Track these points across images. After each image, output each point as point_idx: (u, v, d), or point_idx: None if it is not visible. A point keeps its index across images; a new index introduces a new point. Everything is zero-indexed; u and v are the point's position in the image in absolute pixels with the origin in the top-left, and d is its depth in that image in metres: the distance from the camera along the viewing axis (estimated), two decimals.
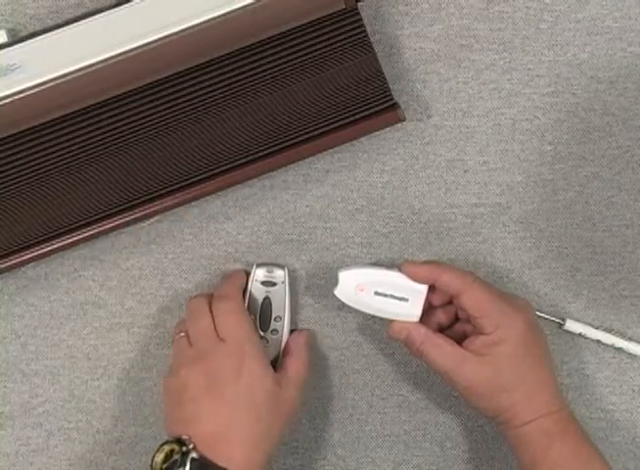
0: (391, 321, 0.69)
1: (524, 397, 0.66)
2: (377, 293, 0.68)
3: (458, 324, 0.71)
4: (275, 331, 0.69)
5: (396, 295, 0.68)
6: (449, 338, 0.67)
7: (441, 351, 0.67)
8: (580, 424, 0.67)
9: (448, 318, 0.71)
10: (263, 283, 0.70)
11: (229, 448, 0.63)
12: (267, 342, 0.70)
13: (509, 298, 0.68)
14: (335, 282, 0.69)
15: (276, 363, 0.69)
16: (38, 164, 0.69)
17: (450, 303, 0.70)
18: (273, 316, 0.69)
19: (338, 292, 0.69)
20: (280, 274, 0.70)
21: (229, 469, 0.62)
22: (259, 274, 0.70)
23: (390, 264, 0.72)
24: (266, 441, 0.65)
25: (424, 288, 0.68)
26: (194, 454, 0.62)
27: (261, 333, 0.69)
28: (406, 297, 0.68)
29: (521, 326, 0.66)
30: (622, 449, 0.75)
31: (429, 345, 0.67)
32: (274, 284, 0.69)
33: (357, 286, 0.68)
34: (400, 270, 0.69)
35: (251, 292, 0.69)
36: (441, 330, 0.70)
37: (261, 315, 0.69)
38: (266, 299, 0.69)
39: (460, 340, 0.68)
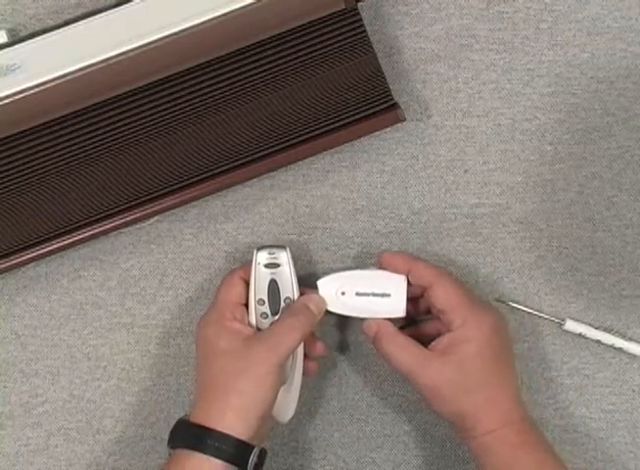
0: (363, 319, 0.68)
1: (486, 401, 0.66)
2: (358, 293, 0.68)
3: (430, 322, 0.71)
4: None
5: (377, 292, 0.68)
6: (416, 340, 0.67)
7: (406, 351, 0.66)
8: (544, 434, 0.67)
9: (416, 311, 0.71)
10: (267, 266, 0.68)
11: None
12: None
13: (481, 303, 0.69)
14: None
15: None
16: (38, 163, 0.69)
17: (421, 296, 0.70)
18: (282, 298, 0.68)
19: None
20: (282, 255, 0.68)
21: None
22: (262, 257, 0.68)
23: (369, 265, 0.73)
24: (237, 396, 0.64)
25: (403, 279, 0.68)
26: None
27: (274, 317, 0.68)
28: (388, 292, 0.68)
29: (487, 328, 0.66)
30: (622, 449, 0.75)
31: (393, 344, 0.67)
32: (278, 266, 0.68)
33: (338, 290, 0.68)
34: (378, 264, 0.69)
35: (256, 277, 0.68)
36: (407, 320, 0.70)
37: (270, 298, 0.68)
38: (272, 281, 0.68)
39: (429, 337, 0.68)
